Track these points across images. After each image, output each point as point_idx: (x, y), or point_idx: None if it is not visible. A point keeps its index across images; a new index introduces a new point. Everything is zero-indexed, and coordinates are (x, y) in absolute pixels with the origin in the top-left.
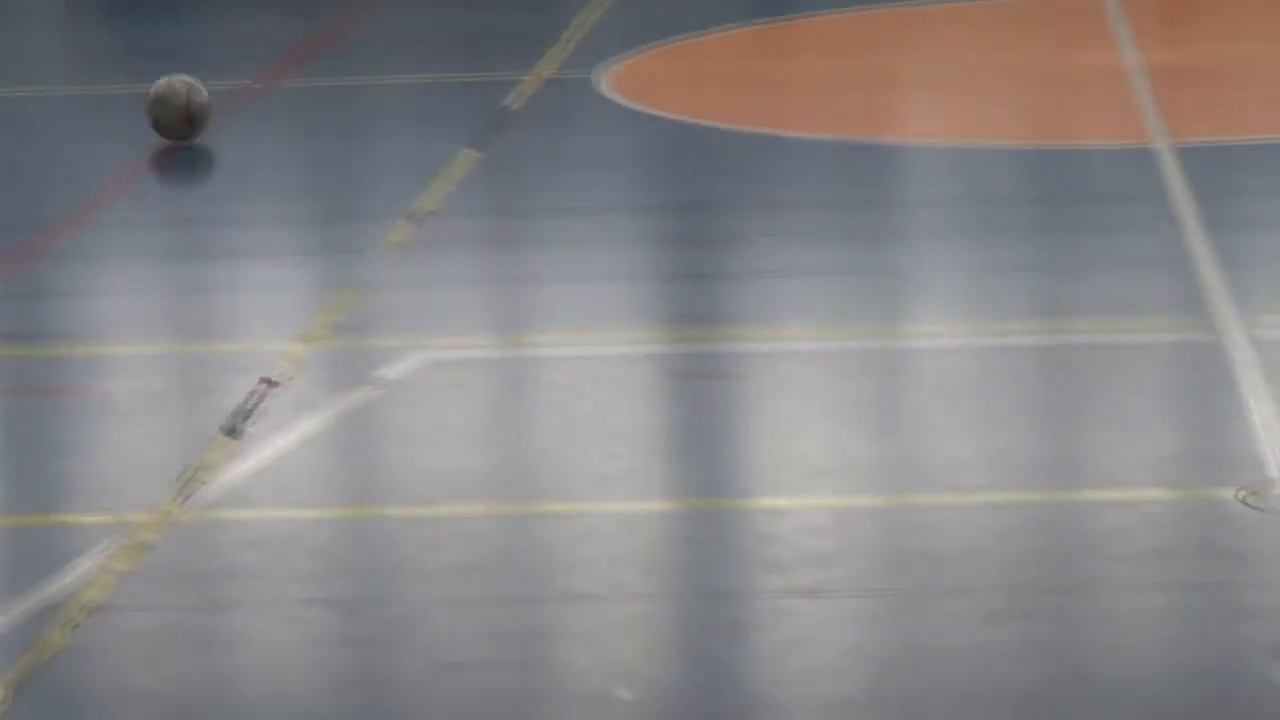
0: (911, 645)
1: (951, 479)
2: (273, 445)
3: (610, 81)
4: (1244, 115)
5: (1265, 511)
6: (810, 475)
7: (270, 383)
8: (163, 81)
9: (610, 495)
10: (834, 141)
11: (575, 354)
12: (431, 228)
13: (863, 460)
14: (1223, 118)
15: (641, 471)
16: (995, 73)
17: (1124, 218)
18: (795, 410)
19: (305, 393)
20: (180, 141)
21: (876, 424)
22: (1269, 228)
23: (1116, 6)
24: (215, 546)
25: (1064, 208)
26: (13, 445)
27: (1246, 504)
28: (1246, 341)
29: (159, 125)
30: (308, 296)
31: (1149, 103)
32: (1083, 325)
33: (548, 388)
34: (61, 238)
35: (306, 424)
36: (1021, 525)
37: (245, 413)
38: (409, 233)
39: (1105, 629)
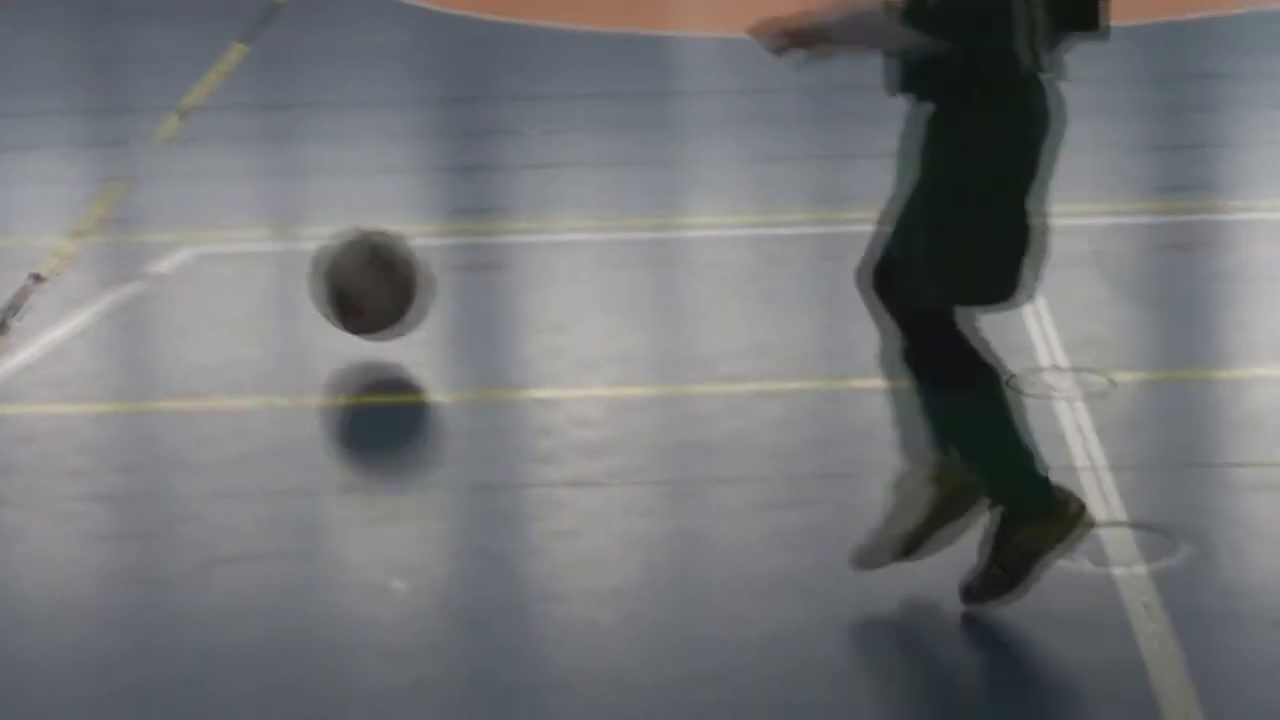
0: (684, 534)
1: (723, 368)
2: (41, 340)
3: None
4: None
5: (1034, 398)
6: (583, 366)
7: (38, 278)
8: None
9: (381, 387)
10: (605, 33)
11: None
12: (200, 121)
13: (635, 351)
14: None
15: (413, 363)
16: None
17: (894, 107)
18: (568, 301)
19: (74, 287)
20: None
21: (649, 314)
22: None
23: None
24: None
25: (834, 98)
26: None
27: (1016, 391)
28: None
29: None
30: (76, 191)
31: None
32: (853, 214)
33: None
34: None
35: (76, 319)
36: (793, 413)
37: (12, 308)
38: (178, 126)
39: (877, 515)
